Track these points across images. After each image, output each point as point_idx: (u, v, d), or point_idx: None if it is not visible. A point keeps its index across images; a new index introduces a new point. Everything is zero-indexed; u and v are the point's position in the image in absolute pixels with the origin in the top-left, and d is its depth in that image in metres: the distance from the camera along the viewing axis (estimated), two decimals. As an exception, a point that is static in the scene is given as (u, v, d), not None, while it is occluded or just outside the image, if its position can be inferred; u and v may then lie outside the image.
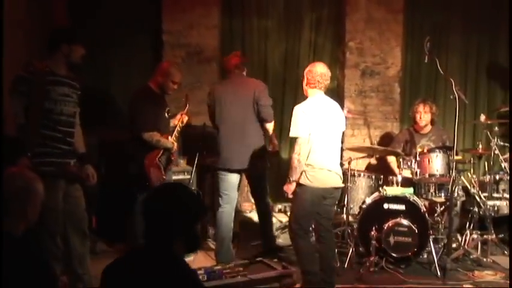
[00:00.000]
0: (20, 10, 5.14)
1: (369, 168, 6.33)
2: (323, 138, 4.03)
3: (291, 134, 4.07)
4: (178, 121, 4.83)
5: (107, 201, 5.07)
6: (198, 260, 4.79)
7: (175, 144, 4.74)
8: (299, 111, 4.04)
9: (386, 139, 6.42)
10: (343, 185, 4.29)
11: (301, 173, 4.02)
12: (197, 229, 2.23)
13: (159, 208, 2.15)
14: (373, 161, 6.41)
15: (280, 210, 6.67)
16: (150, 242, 2.17)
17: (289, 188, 4.05)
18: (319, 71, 4.11)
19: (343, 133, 5.75)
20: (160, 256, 2.11)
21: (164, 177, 4.58)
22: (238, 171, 4.88)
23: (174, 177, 5.07)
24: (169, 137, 4.69)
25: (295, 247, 4.25)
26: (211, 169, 5.26)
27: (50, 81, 3.53)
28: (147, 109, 4.50)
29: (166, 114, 4.72)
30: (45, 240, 3.49)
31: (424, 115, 5.58)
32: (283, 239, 5.52)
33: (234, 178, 4.88)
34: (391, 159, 5.75)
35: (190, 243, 2.21)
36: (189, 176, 5.22)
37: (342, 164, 5.27)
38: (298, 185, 4.04)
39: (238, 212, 6.11)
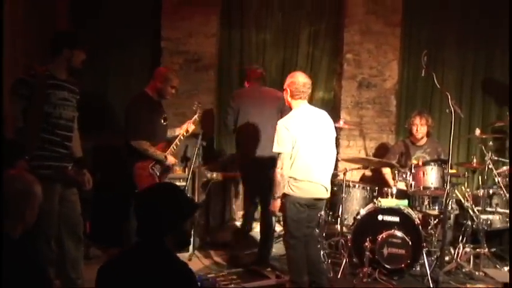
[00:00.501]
0: (21, 12, 5.15)
1: (364, 179, 6.35)
2: (308, 150, 4.02)
3: (274, 150, 4.03)
4: (183, 130, 4.78)
5: (102, 206, 5.06)
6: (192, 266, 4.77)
7: (171, 158, 4.62)
8: (282, 127, 4.01)
9: (382, 150, 6.45)
10: (327, 196, 4.25)
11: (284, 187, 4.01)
12: (186, 226, 2.35)
13: (150, 206, 2.25)
14: (368, 172, 6.44)
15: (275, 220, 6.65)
16: (142, 239, 2.25)
17: (275, 205, 4.04)
18: (301, 81, 4.11)
19: (338, 142, 5.85)
20: (153, 252, 2.20)
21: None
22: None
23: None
24: (167, 149, 4.61)
25: (286, 256, 4.26)
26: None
27: (50, 85, 3.54)
28: (140, 117, 4.47)
29: (163, 121, 4.71)
30: (41, 243, 3.48)
31: (420, 127, 5.62)
32: (276, 248, 5.51)
33: None
34: (386, 171, 5.78)
35: (180, 239, 2.30)
36: (184, 183, 5.22)
37: (336, 175, 5.35)
38: (283, 195, 4.03)
39: (231, 220, 6.15)
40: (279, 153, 4.00)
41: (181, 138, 4.75)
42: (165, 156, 4.56)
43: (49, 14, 5.85)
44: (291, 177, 3.98)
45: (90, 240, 4.98)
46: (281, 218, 4.34)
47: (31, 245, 2.58)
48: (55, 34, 3.83)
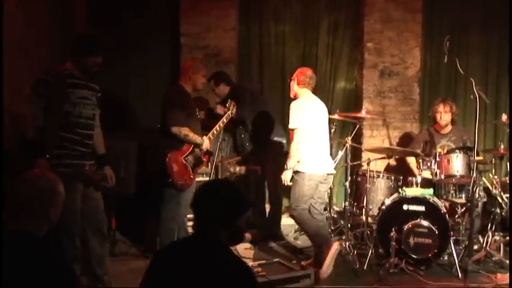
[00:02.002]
0: (42, 13, 5.21)
1: (389, 169, 6.28)
2: (317, 130, 4.55)
3: (291, 126, 4.48)
4: (223, 117, 4.82)
5: (127, 203, 5.10)
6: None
7: (208, 143, 4.64)
8: (297, 106, 4.50)
9: (406, 140, 6.38)
10: (335, 171, 4.83)
11: (298, 161, 4.45)
12: (241, 222, 2.36)
13: (208, 201, 2.31)
14: (393, 161, 6.37)
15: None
16: (199, 233, 2.32)
17: (287, 175, 4.47)
18: (309, 73, 4.68)
19: (361, 131, 5.91)
20: (210, 247, 2.24)
21: (191, 176, 4.53)
22: None
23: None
24: (204, 136, 4.64)
25: (302, 226, 4.67)
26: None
27: (69, 84, 3.57)
28: (179, 105, 4.49)
29: (197, 114, 4.76)
30: (65, 241, 3.52)
31: (444, 115, 5.53)
32: (301, 240, 5.51)
33: None
34: (411, 160, 5.71)
35: (234, 235, 2.35)
36: (207, 178, 5.24)
37: (360, 165, 5.32)
38: (296, 172, 4.47)
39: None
40: (295, 129, 4.44)
41: (221, 124, 4.77)
42: (203, 140, 4.60)
43: (69, 15, 5.91)
44: (306, 154, 4.44)
45: (116, 237, 5.04)
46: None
47: (56, 244, 2.62)
48: (75, 37, 3.84)
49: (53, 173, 2.44)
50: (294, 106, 4.53)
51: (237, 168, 5.70)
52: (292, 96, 4.74)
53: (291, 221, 5.70)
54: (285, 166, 4.50)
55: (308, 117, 4.47)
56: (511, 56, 5.86)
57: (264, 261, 4.63)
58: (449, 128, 5.62)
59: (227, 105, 4.94)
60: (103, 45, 3.75)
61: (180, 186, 4.42)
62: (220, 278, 2.16)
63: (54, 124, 3.48)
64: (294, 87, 4.67)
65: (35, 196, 2.29)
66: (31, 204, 2.26)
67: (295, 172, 4.47)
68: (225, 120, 4.81)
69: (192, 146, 4.54)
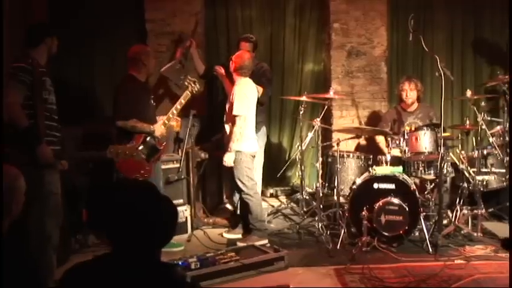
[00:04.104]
0: (7, 6, 5.07)
1: (359, 148, 6.34)
2: (252, 113, 4.93)
3: (237, 113, 4.76)
4: (181, 98, 4.74)
5: (95, 194, 5.03)
6: (190, 248, 4.80)
7: (163, 129, 4.55)
8: (242, 94, 4.82)
9: (375, 119, 6.42)
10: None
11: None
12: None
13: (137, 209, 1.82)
14: (363, 141, 6.43)
15: (271, 195, 6.68)
16: (126, 251, 1.81)
17: (230, 158, 4.81)
18: (247, 62, 4.91)
19: (330, 112, 5.91)
20: (146, 268, 1.78)
21: (147, 168, 4.45)
22: None
23: (163, 167, 5.04)
24: (157, 123, 4.55)
25: (248, 208, 4.85)
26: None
27: (42, 73, 3.64)
28: (126, 97, 4.41)
29: (152, 101, 4.65)
30: (37, 237, 3.47)
31: (409, 92, 5.60)
32: (275, 223, 5.53)
33: None
34: (380, 139, 5.77)
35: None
36: (178, 165, 5.21)
37: (330, 146, 5.35)
38: (237, 152, 4.80)
39: (227, 199, 6.15)
40: (239, 116, 4.74)
41: (178, 107, 4.68)
42: (153, 129, 4.48)
43: (28, 4, 5.75)
44: (245, 136, 4.79)
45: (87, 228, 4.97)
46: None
47: (22, 240, 2.56)
48: (32, 26, 3.91)
49: (12, 168, 2.38)
50: (239, 93, 4.80)
51: (207, 154, 5.68)
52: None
53: (265, 205, 5.74)
54: (228, 149, 4.81)
55: (250, 104, 4.86)
56: (510, 38, 5.90)
57: (237, 246, 4.65)
58: (415, 105, 5.69)
59: (185, 83, 4.85)
60: (57, 29, 3.88)
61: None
62: None
63: (41, 112, 3.54)
64: (233, 72, 4.92)
65: None
66: None
67: (237, 152, 4.80)
68: (182, 101, 4.72)
69: (143, 136, 4.44)
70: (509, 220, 4.86)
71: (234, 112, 4.77)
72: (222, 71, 5.35)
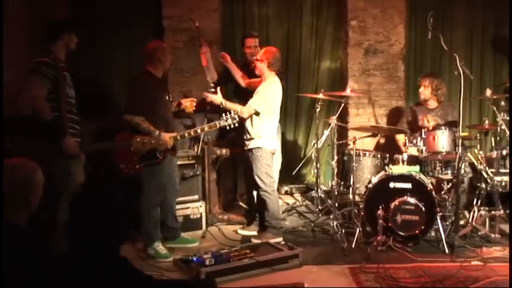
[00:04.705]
0: (21, 2, 5.13)
1: (378, 147, 6.29)
2: (276, 113, 4.92)
3: (254, 106, 4.73)
4: (207, 125, 4.59)
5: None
6: (205, 244, 4.80)
7: (168, 140, 4.33)
8: (268, 93, 4.78)
9: (393, 117, 6.38)
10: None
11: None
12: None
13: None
14: (382, 140, 6.38)
15: (286, 193, 6.67)
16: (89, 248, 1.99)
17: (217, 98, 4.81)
18: (278, 55, 4.86)
19: (347, 110, 6.13)
20: (108, 266, 1.94)
21: (137, 166, 4.29)
22: None
23: (179, 163, 5.04)
24: (168, 133, 4.39)
25: (265, 205, 4.80)
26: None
27: (63, 68, 3.77)
28: (136, 93, 4.40)
29: (167, 98, 4.60)
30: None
31: (424, 90, 5.56)
32: (289, 221, 5.51)
33: None
34: (399, 137, 5.71)
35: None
36: (193, 161, 5.22)
37: (346, 144, 5.32)
38: (258, 149, 4.77)
39: (242, 196, 6.14)
40: (259, 112, 4.73)
41: (198, 131, 4.54)
42: (159, 133, 4.32)
43: (48, 3, 5.80)
44: (267, 134, 4.79)
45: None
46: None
47: (41, 233, 2.58)
48: (51, 22, 4.01)
49: (30, 161, 2.40)
50: (265, 90, 4.77)
51: (223, 151, 5.67)
52: (257, 73, 4.91)
53: (280, 202, 5.71)
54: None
55: (273, 103, 4.83)
56: (510, 37, 5.82)
57: (251, 243, 4.65)
58: (434, 103, 5.62)
59: (225, 116, 4.55)
60: (76, 25, 4.02)
61: (120, 169, 4.24)
62: None
63: (64, 105, 3.68)
64: (264, 69, 4.81)
65: (14, 187, 2.26)
66: (10, 195, 2.23)
67: (256, 149, 4.78)
68: (206, 128, 4.56)
69: (148, 137, 4.22)
70: (509, 220, 4.79)
71: (250, 102, 4.75)
72: (228, 58, 5.32)
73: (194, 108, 4.81)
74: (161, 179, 4.50)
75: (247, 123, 4.86)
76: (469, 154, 5.18)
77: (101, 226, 1.95)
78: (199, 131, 4.54)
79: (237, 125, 4.59)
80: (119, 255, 1.99)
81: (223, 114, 4.57)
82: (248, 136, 4.85)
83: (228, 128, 4.57)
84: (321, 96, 5.36)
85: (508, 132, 5.00)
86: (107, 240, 1.97)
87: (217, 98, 4.81)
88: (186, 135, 4.49)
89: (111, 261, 1.93)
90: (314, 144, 5.61)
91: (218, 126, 4.56)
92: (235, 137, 5.47)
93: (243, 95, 5.18)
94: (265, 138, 4.82)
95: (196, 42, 6.27)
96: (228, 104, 4.80)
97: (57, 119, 3.64)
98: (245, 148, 4.89)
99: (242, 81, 5.36)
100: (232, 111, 4.57)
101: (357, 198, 5.15)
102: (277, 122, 4.99)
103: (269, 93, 4.80)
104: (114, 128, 4.50)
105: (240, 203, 5.98)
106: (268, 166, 4.83)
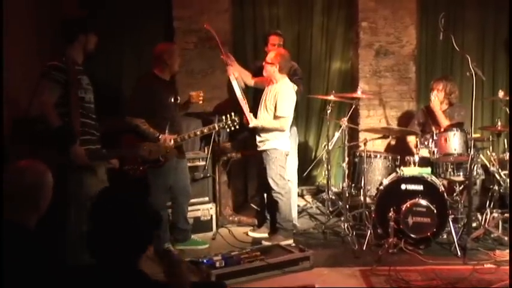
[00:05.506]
0: (29, 5, 5.14)
1: (389, 149, 6.25)
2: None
3: (284, 114, 4.77)
4: (207, 127, 4.62)
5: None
6: (215, 246, 4.80)
7: (168, 142, 4.35)
8: (289, 94, 4.84)
9: (404, 119, 6.34)
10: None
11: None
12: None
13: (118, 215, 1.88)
14: (394, 141, 6.34)
15: (297, 194, 6.63)
16: (109, 260, 1.88)
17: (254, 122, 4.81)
18: (287, 56, 4.92)
19: (357, 112, 6.12)
20: (128, 279, 1.86)
21: (141, 168, 4.32)
22: None
23: (189, 164, 5.04)
24: (169, 135, 4.41)
25: (277, 207, 4.80)
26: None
27: (78, 71, 3.63)
28: (137, 95, 4.46)
29: (172, 100, 4.57)
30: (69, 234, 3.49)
31: (436, 93, 5.50)
32: (300, 223, 5.50)
33: None
34: (411, 139, 5.68)
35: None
36: (204, 163, 5.22)
37: (357, 145, 5.28)
38: (272, 150, 4.76)
39: (253, 197, 6.13)
40: (283, 117, 4.76)
41: (198, 133, 4.61)
42: (159, 136, 4.35)
43: (57, 2, 5.82)
44: (281, 135, 4.82)
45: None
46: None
47: (50, 235, 2.58)
48: (67, 21, 3.85)
49: (40, 164, 2.40)
50: (285, 94, 4.79)
51: (234, 153, 5.67)
52: (266, 75, 4.91)
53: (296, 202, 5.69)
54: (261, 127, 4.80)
55: (293, 105, 4.89)
56: (510, 37, 5.78)
57: (262, 245, 4.64)
58: (446, 105, 5.57)
59: (224, 117, 4.62)
60: (94, 25, 3.82)
61: (126, 171, 4.24)
62: None
63: (76, 110, 3.52)
64: (275, 73, 4.82)
65: (24, 190, 2.26)
66: (20, 197, 2.24)
67: (270, 150, 4.79)
68: (205, 131, 4.61)
69: (155, 144, 4.18)
70: (509, 220, 4.73)
71: (280, 113, 4.76)
72: (231, 62, 5.22)
73: (201, 99, 4.74)
74: (167, 180, 4.51)
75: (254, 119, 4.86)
76: (481, 156, 5.14)
77: (121, 235, 1.84)
78: (198, 133, 4.61)
79: (237, 127, 4.67)
80: (137, 267, 1.89)
81: (223, 117, 4.62)
82: (262, 137, 4.84)
83: (228, 130, 4.68)
84: (331, 97, 5.34)
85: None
86: (128, 251, 1.87)
87: (257, 122, 4.83)
88: (186, 137, 4.54)
89: (128, 275, 1.85)
90: (325, 146, 5.58)
91: (217, 128, 4.63)
92: (246, 138, 5.47)
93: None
94: (279, 139, 4.82)
95: (207, 44, 6.34)
96: (266, 124, 4.81)
97: (66, 125, 3.49)
98: (258, 149, 4.87)
99: (250, 80, 5.33)
100: (234, 117, 4.62)
101: (368, 200, 5.12)
102: (291, 123, 4.98)
103: (289, 96, 4.83)
104: (120, 129, 4.52)
105: (252, 205, 5.96)
106: (282, 168, 4.82)
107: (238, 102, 4.88)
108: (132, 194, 1.94)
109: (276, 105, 4.77)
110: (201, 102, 4.76)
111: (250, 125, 4.81)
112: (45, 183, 2.34)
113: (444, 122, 5.33)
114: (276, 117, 4.79)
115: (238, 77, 5.11)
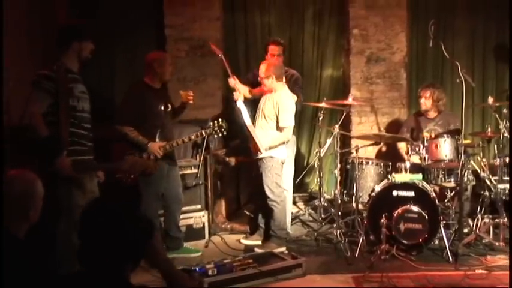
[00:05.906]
0: (21, 9, 5.13)
1: (380, 155, 6.28)
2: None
3: (287, 124, 4.81)
4: (196, 133, 4.64)
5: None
6: (207, 254, 4.79)
7: (157, 149, 4.39)
8: (290, 106, 4.85)
9: (395, 125, 6.37)
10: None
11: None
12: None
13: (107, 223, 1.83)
14: (384, 148, 6.37)
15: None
16: (94, 267, 1.83)
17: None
18: (278, 64, 5.00)
19: (349, 119, 6.17)
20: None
21: (132, 176, 4.27)
22: None
23: (181, 172, 5.04)
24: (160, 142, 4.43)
25: (272, 215, 4.82)
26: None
27: (70, 79, 3.55)
28: (126, 103, 4.48)
29: (162, 108, 4.57)
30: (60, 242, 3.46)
31: (425, 100, 5.54)
32: (293, 230, 5.50)
33: None
34: (402, 146, 5.70)
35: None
36: (196, 170, 5.21)
37: (349, 152, 5.29)
38: (268, 158, 4.77)
39: (246, 205, 6.12)
40: (286, 127, 4.81)
41: (185, 140, 4.60)
42: (147, 143, 4.38)
43: (49, 9, 5.81)
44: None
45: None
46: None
47: (40, 245, 2.57)
48: (61, 28, 3.82)
49: (30, 173, 2.39)
50: (285, 104, 4.80)
51: (227, 160, 5.67)
52: (265, 89, 4.89)
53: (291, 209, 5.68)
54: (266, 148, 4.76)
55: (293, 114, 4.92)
56: (510, 39, 5.83)
57: (255, 253, 4.64)
58: (434, 113, 5.61)
59: (211, 123, 4.68)
60: (89, 32, 3.75)
61: (117, 179, 4.22)
62: None
63: (65, 120, 3.43)
64: (273, 84, 4.81)
65: (13, 199, 2.25)
66: (9, 207, 2.22)
67: (266, 158, 4.79)
68: (192, 137, 4.63)
69: (140, 159, 4.18)
70: (509, 220, 4.76)
71: (283, 124, 4.78)
72: (235, 83, 5.19)
73: (191, 98, 4.74)
74: (159, 188, 4.51)
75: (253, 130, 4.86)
76: (472, 162, 5.16)
77: (111, 246, 1.79)
78: (186, 139, 4.61)
79: (225, 133, 4.70)
80: (127, 280, 1.85)
81: (210, 123, 4.67)
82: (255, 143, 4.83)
83: (216, 135, 4.75)
84: (323, 104, 5.36)
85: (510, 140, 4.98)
86: (119, 262, 1.83)
87: (266, 146, 4.80)
88: (175, 144, 4.55)
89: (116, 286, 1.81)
90: (317, 153, 5.60)
91: (205, 134, 4.66)
92: (238, 145, 5.47)
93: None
94: (276, 147, 4.81)
95: (198, 52, 6.35)
96: (274, 143, 4.79)
97: (53, 135, 3.40)
98: (255, 158, 4.86)
99: (248, 94, 5.28)
100: (222, 124, 4.64)
101: (360, 206, 5.13)
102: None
103: (289, 105, 4.84)
104: (111, 138, 4.51)
105: (245, 211, 5.95)
106: (278, 176, 4.83)
107: (247, 129, 4.86)
108: (123, 203, 1.90)
109: (277, 116, 4.78)
110: (191, 101, 4.75)
111: (262, 154, 4.78)
112: (35, 192, 2.33)
113: None
114: (279, 128, 4.81)
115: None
